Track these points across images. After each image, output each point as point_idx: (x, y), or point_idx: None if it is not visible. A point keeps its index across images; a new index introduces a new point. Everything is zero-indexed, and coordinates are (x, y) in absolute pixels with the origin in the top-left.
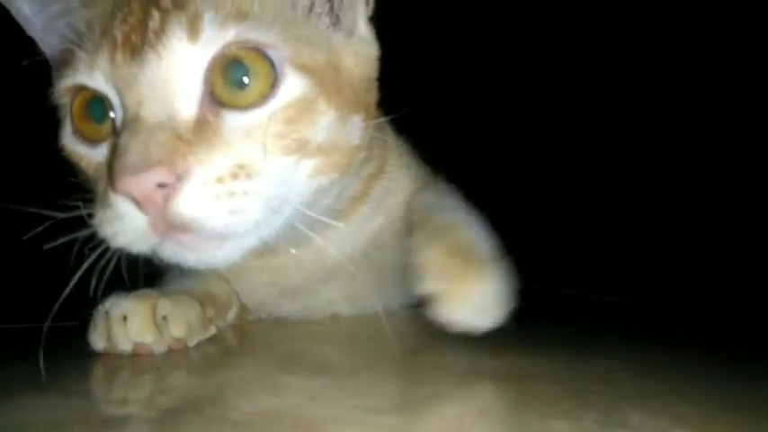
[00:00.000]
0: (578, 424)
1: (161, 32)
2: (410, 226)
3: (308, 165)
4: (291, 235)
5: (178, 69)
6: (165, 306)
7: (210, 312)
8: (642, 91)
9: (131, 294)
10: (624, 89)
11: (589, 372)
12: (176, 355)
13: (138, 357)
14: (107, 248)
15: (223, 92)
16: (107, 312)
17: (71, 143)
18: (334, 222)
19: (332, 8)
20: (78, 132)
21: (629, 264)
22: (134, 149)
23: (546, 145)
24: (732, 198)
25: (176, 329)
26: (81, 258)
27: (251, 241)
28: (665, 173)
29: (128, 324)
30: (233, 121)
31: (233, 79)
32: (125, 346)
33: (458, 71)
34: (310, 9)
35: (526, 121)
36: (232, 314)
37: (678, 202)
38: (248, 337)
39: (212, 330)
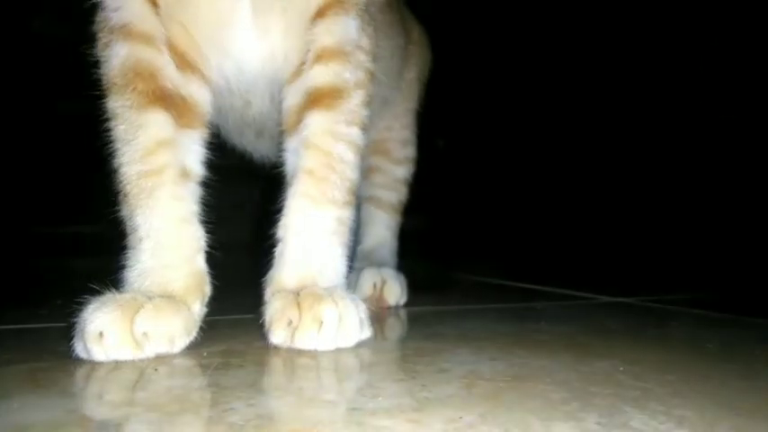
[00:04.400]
0: (580, 426)
1: None
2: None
3: None
4: None
5: None
6: (145, 320)
7: (196, 308)
8: (641, 92)
9: (112, 301)
10: (624, 90)
11: (591, 373)
12: (174, 356)
13: (135, 360)
14: None
15: None
16: (83, 329)
17: None
18: None
19: None
20: None
21: (633, 264)
22: None
23: (548, 148)
24: (732, 200)
25: (158, 345)
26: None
27: None
28: (670, 174)
29: (104, 341)
30: None
31: None
32: (105, 359)
33: (457, 71)
34: None
35: (529, 124)
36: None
37: (681, 204)
38: (247, 339)
39: (195, 331)
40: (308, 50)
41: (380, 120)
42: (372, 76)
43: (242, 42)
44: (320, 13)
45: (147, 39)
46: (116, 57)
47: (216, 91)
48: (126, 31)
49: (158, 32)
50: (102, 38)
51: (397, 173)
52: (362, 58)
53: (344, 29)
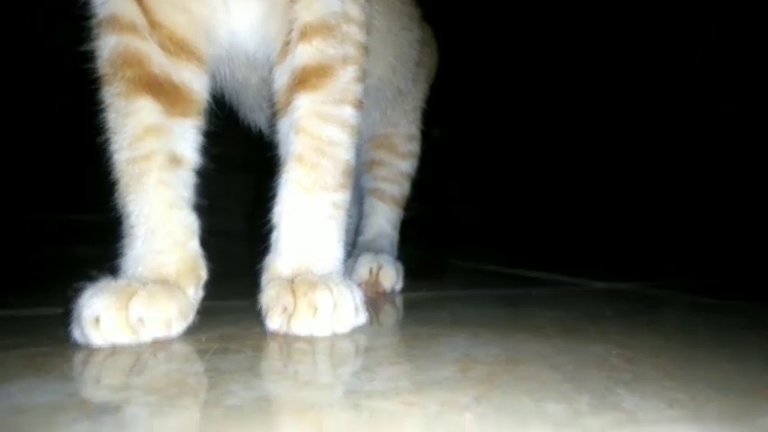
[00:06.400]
0: (572, 407)
1: None
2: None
3: None
4: None
5: None
6: (139, 305)
7: (190, 291)
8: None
9: (107, 287)
10: (618, 76)
11: (584, 357)
12: (172, 341)
13: (133, 344)
14: None
15: None
16: (80, 314)
17: None
18: None
19: None
20: None
21: (627, 251)
22: None
23: (543, 137)
24: (724, 188)
25: (155, 330)
26: None
27: None
28: (663, 162)
29: (100, 327)
30: None
31: None
32: (103, 344)
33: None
34: None
35: (524, 113)
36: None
37: (674, 193)
38: (245, 325)
39: (191, 315)
40: (292, 29)
41: (393, 111)
42: (365, 49)
43: (227, 24)
44: None
45: (132, 28)
46: (106, 47)
47: (224, 70)
48: (113, 23)
49: (142, 21)
50: (94, 32)
51: (401, 167)
52: (351, 30)
53: (325, 2)
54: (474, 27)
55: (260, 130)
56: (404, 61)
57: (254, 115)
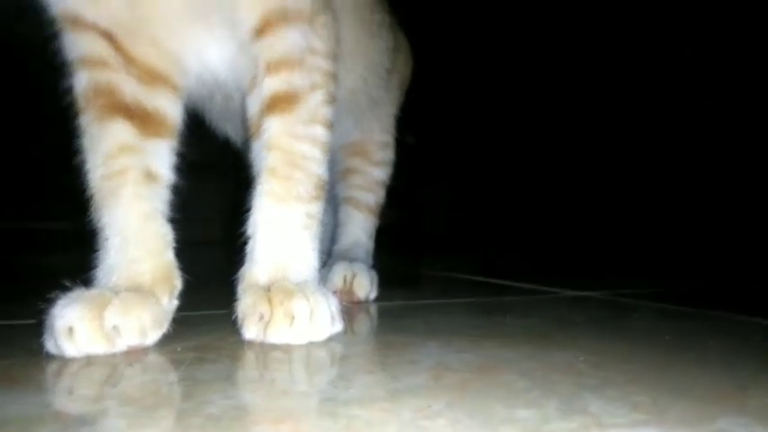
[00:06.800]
0: (541, 412)
1: None
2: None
3: None
4: None
5: None
6: (114, 314)
7: (165, 300)
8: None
9: (80, 297)
10: (590, 86)
11: (553, 363)
12: (148, 352)
13: (110, 354)
14: None
15: None
16: (53, 325)
17: None
18: None
19: None
20: None
21: (597, 260)
22: None
23: (515, 146)
24: (690, 202)
25: (130, 338)
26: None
27: None
28: (632, 174)
29: (74, 337)
30: None
31: None
32: (77, 354)
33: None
34: None
35: (498, 121)
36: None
37: (643, 206)
38: (221, 334)
39: (166, 324)
40: (257, 65)
41: (366, 120)
42: (332, 76)
43: (199, 61)
44: (260, 31)
45: (102, 63)
46: (79, 83)
47: (194, 92)
48: (84, 62)
49: (115, 58)
50: (68, 70)
51: (375, 175)
52: (317, 62)
53: (287, 42)
54: (448, 35)
55: (228, 139)
56: (375, 70)
57: (221, 124)
